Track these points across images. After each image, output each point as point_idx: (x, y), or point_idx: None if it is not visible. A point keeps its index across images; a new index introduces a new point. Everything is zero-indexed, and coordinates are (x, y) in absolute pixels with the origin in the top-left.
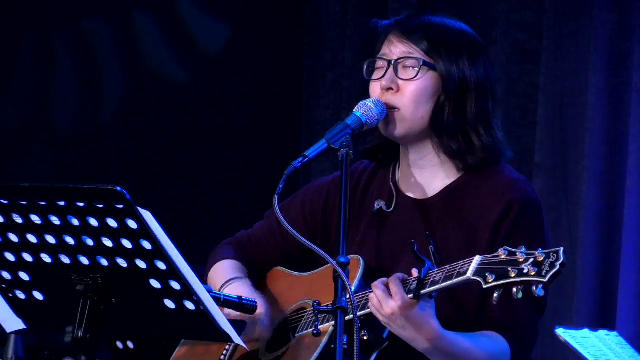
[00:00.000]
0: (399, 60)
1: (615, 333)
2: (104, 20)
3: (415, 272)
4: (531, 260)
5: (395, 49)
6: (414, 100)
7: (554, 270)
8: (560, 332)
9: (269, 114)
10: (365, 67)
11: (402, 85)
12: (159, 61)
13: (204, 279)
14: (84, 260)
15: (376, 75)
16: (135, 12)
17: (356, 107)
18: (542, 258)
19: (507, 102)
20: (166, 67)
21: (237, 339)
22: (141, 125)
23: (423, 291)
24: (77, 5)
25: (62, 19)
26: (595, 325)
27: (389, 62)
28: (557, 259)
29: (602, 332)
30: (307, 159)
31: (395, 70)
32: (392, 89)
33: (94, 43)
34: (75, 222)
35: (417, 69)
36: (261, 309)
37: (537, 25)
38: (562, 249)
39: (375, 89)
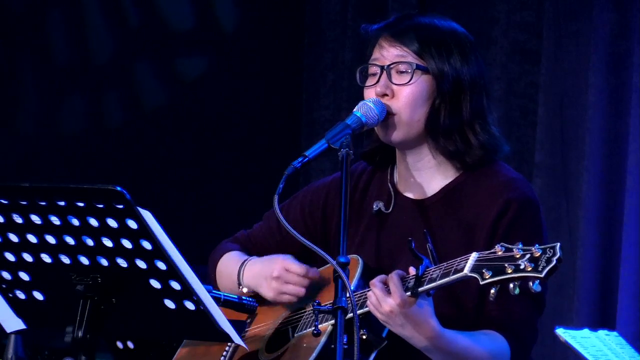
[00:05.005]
0: (392, 65)
1: (615, 333)
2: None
3: (412, 270)
4: (528, 256)
5: (387, 53)
6: (409, 105)
7: (550, 266)
8: (560, 332)
9: (269, 114)
10: (358, 74)
11: (397, 90)
12: (158, 62)
13: (205, 279)
14: (84, 260)
15: (370, 81)
16: (133, 11)
17: (356, 107)
18: (539, 254)
19: (507, 102)
20: (166, 68)
21: (237, 339)
22: (141, 126)
23: (421, 289)
24: (77, 7)
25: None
26: (595, 325)
27: (382, 67)
28: (554, 254)
29: (602, 332)
30: (307, 159)
31: (389, 76)
32: (387, 94)
33: (94, 42)
34: (75, 222)
35: (410, 72)
36: None
37: (537, 25)
38: (558, 244)
39: (370, 95)
